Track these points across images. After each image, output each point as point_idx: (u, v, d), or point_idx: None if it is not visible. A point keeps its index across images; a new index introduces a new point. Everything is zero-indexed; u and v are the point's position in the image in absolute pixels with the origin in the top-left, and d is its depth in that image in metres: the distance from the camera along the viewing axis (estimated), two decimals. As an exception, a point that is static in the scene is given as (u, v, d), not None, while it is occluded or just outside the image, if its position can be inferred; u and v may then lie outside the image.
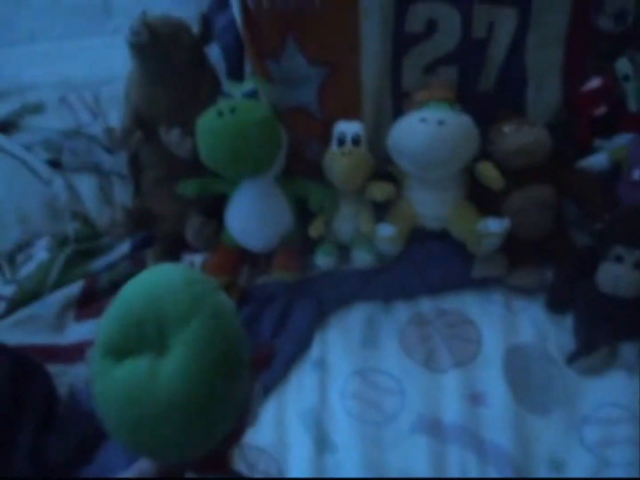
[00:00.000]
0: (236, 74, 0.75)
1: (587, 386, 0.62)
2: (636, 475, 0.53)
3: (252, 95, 0.64)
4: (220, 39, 0.74)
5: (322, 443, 0.59)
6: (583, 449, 0.56)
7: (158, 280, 0.35)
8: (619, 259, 0.60)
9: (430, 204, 0.73)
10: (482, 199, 0.74)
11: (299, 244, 0.76)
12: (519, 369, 0.64)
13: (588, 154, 0.79)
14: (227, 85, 0.68)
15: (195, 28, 0.71)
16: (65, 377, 0.70)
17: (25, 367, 0.62)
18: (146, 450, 0.33)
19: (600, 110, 0.79)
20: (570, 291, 0.69)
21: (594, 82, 0.79)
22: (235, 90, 0.65)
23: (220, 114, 0.61)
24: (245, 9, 0.70)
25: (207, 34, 0.70)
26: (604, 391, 0.61)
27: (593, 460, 0.55)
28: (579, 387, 0.62)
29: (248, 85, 0.66)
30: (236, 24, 0.72)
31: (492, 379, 0.63)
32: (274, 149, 0.65)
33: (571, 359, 0.63)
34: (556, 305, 0.69)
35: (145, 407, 0.31)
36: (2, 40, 0.92)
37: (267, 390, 0.64)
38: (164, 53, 0.66)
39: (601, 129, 0.80)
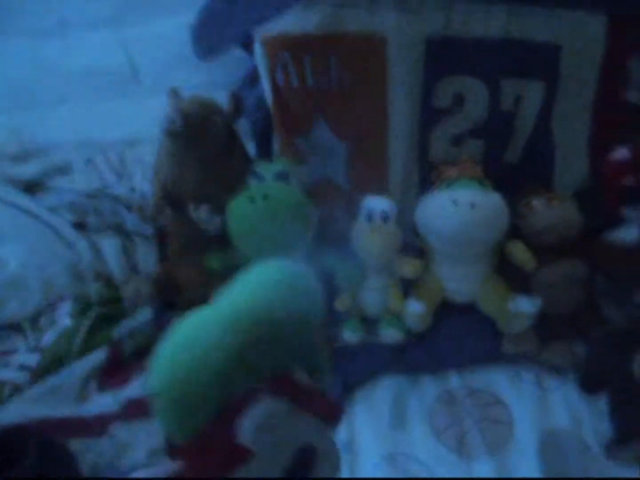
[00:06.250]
0: (265, 149, 0.75)
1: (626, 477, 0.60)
2: None
3: (283, 177, 0.64)
4: (250, 115, 0.75)
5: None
6: None
7: None
8: (657, 350, 0.59)
9: (459, 279, 0.73)
10: (510, 273, 0.74)
11: (325, 317, 0.75)
12: (555, 457, 0.62)
13: (616, 224, 0.78)
14: (257, 164, 0.68)
15: (225, 103, 0.71)
16: (89, 453, 0.69)
17: (50, 453, 0.61)
18: None
19: (629, 180, 0.79)
20: (603, 372, 0.67)
21: (622, 153, 0.79)
22: (266, 172, 0.66)
23: (252, 200, 0.61)
24: (274, 88, 0.71)
25: (237, 111, 0.71)
26: (644, 485, 0.59)
27: None
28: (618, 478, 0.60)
29: (278, 166, 0.66)
30: (266, 100, 0.73)
31: (528, 469, 0.61)
32: (305, 232, 0.65)
33: (608, 448, 0.62)
34: (589, 386, 0.68)
35: None
36: (32, 102, 0.94)
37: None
38: (196, 137, 0.66)
39: (629, 199, 0.80)
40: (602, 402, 0.67)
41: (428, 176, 0.76)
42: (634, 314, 0.65)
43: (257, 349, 0.27)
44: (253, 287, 0.30)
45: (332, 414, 0.31)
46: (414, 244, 0.76)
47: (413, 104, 0.73)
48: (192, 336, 0.28)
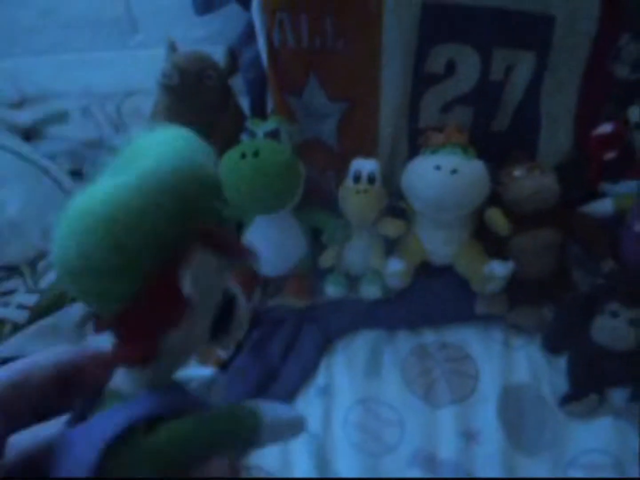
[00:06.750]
0: (258, 107, 0.77)
1: (576, 430, 0.65)
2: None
3: (274, 134, 0.67)
4: (245, 73, 0.76)
5: (324, 470, 0.64)
6: (567, 491, 0.60)
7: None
8: (614, 315, 0.63)
9: (438, 242, 0.76)
10: (488, 238, 0.77)
11: (310, 272, 0.79)
12: (513, 409, 0.68)
13: (595, 197, 0.81)
14: (250, 121, 0.70)
15: (221, 58, 0.73)
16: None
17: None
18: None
19: (610, 155, 0.82)
20: (566, 334, 0.72)
21: (606, 127, 0.81)
22: (258, 129, 0.68)
23: (243, 156, 0.63)
24: (270, 46, 0.72)
25: (233, 67, 0.72)
26: (591, 436, 0.64)
27: (575, 504, 0.59)
28: (568, 430, 0.65)
29: (270, 124, 0.68)
30: (261, 59, 0.74)
31: (487, 418, 0.67)
32: (294, 190, 0.68)
33: (562, 402, 0.67)
34: (551, 346, 0.73)
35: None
36: (28, 49, 0.94)
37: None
38: (191, 91, 0.68)
39: (610, 173, 0.82)
40: (562, 361, 0.72)
41: (416, 141, 0.78)
42: (598, 281, 0.69)
43: (167, 205, 0.26)
44: (153, 151, 0.28)
45: (245, 255, 0.31)
46: (399, 206, 0.79)
47: (406, 69, 0.74)
48: (95, 202, 0.23)
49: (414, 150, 0.78)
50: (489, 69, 0.76)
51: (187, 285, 0.26)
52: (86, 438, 0.24)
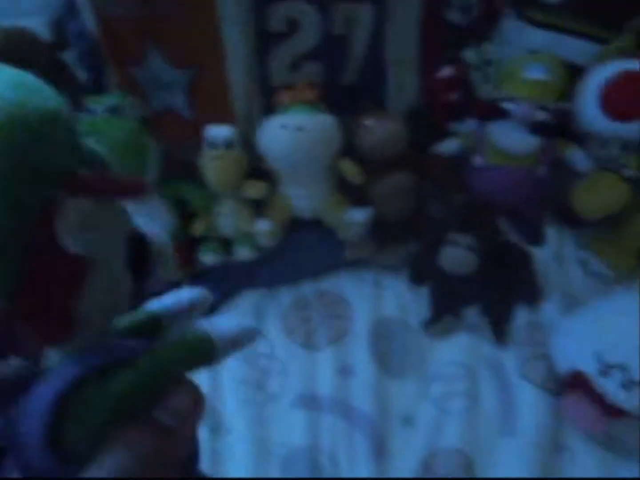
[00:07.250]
0: (98, 82, 0.73)
1: (436, 348, 0.74)
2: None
3: (114, 110, 0.65)
4: (75, 46, 0.72)
5: (216, 427, 0.67)
6: (429, 403, 0.68)
7: None
8: (455, 243, 0.70)
9: (302, 198, 0.79)
10: (350, 189, 0.82)
11: (184, 243, 0.79)
12: (383, 340, 0.74)
13: (443, 138, 0.88)
14: (88, 98, 0.67)
15: (47, 35, 0.68)
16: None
17: None
18: None
19: (453, 96, 0.88)
20: (424, 266, 0.79)
21: (447, 71, 0.87)
22: (97, 106, 0.65)
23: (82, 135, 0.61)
24: (98, 15, 0.69)
25: (59, 41, 0.68)
26: (449, 351, 0.73)
27: (436, 412, 0.67)
28: (430, 349, 0.74)
29: (110, 99, 0.66)
30: (90, 30, 0.70)
31: (360, 352, 0.73)
32: (143, 165, 0.67)
33: (424, 326, 0.75)
34: (415, 279, 0.80)
35: None
36: None
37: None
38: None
39: (455, 115, 0.89)
40: (425, 292, 0.80)
41: (269, 101, 0.79)
42: (439, 219, 0.76)
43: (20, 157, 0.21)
44: None
45: (135, 189, 0.28)
46: (262, 167, 0.81)
47: (246, 30, 0.74)
48: None
49: (269, 111, 0.80)
50: (331, 23, 0.78)
51: (70, 242, 0.23)
52: (37, 395, 0.24)
